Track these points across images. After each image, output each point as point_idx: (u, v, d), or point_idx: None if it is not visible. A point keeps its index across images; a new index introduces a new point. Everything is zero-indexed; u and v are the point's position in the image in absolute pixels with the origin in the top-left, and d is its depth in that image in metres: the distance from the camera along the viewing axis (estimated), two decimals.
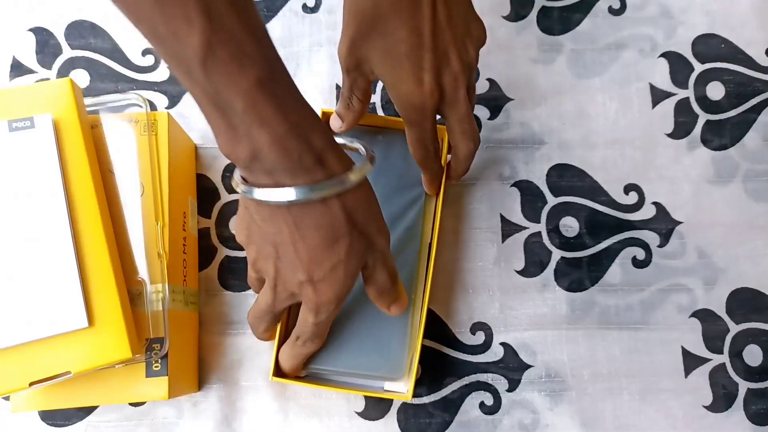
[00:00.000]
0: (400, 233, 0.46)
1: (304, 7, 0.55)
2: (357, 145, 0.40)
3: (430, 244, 0.46)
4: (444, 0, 0.36)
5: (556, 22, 0.56)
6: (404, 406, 0.47)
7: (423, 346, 0.47)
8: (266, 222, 0.33)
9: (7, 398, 0.46)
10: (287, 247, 0.33)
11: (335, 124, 0.44)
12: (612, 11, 0.56)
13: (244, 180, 0.33)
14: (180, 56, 0.28)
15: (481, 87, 0.54)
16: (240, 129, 0.30)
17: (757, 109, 0.54)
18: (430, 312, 0.49)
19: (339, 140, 0.38)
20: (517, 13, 0.56)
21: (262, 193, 0.32)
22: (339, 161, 0.32)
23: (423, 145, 0.41)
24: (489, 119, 0.53)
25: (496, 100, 0.53)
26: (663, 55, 0.55)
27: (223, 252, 0.50)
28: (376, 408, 0.47)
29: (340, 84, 0.53)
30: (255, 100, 0.29)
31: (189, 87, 0.29)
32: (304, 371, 0.43)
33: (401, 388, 0.43)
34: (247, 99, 0.28)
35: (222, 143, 0.31)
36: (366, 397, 0.47)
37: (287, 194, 0.31)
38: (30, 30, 0.54)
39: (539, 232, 0.51)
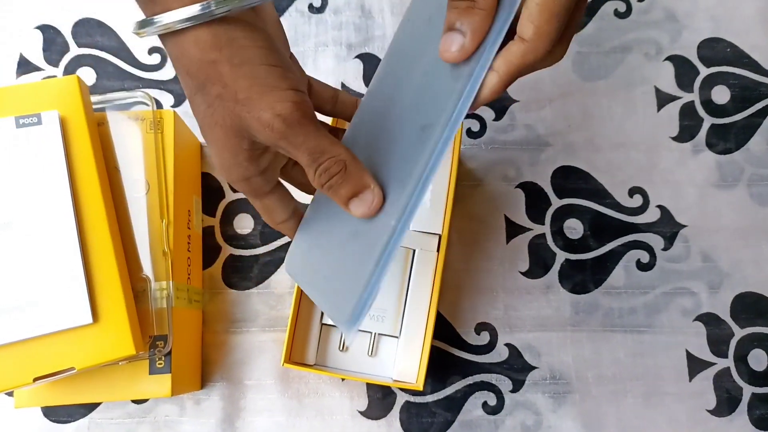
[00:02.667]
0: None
1: (311, 8, 0.55)
2: None
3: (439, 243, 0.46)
4: None
5: None
6: (407, 405, 0.47)
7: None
8: None
9: (10, 394, 0.46)
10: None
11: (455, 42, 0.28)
12: (618, 14, 0.56)
13: None
14: None
15: None
16: None
17: (762, 114, 0.54)
18: None
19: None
20: None
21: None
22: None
23: None
24: (494, 120, 0.53)
25: (501, 102, 0.53)
26: (668, 58, 0.55)
27: (228, 250, 0.50)
28: (378, 407, 0.47)
29: (346, 83, 0.53)
30: None
31: None
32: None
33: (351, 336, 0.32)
34: None
35: None
36: (369, 396, 0.47)
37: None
38: (37, 27, 0.54)
39: (543, 234, 0.51)
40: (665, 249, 0.51)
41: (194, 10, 0.26)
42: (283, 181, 0.34)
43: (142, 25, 0.27)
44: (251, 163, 0.29)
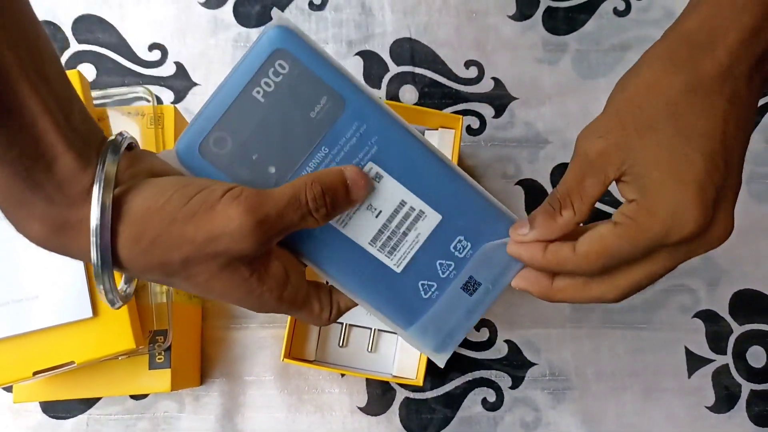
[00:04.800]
0: None
1: (311, 5, 0.56)
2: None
3: None
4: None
5: (561, 23, 0.56)
6: (406, 401, 0.47)
7: None
8: None
9: (9, 389, 0.46)
10: None
11: (523, 230, 0.30)
12: (617, 12, 0.56)
13: None
14: None
15: (486, 86, 0.54)
16: None
17: (760, 112, 0.54)
18: None
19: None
20: (522, 13, 0.56)
21: None
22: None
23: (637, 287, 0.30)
24: (493, 118, 0.53)
25: (500, 99, 0.54)
26: None
27: None
28: (378, 403, 0.47)
29: None
30: None
31: None
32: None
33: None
34: None
35: None
36: (368, 392, 0.47)
37: None
38: None
39: None
40: None
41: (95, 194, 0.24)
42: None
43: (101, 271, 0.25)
44: (264, 283, 0.27)
